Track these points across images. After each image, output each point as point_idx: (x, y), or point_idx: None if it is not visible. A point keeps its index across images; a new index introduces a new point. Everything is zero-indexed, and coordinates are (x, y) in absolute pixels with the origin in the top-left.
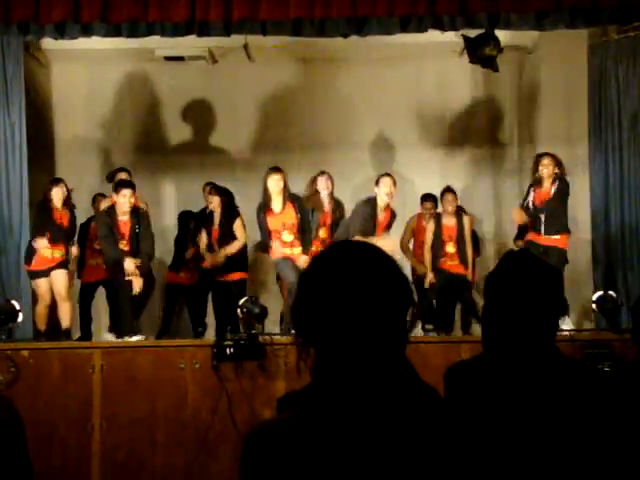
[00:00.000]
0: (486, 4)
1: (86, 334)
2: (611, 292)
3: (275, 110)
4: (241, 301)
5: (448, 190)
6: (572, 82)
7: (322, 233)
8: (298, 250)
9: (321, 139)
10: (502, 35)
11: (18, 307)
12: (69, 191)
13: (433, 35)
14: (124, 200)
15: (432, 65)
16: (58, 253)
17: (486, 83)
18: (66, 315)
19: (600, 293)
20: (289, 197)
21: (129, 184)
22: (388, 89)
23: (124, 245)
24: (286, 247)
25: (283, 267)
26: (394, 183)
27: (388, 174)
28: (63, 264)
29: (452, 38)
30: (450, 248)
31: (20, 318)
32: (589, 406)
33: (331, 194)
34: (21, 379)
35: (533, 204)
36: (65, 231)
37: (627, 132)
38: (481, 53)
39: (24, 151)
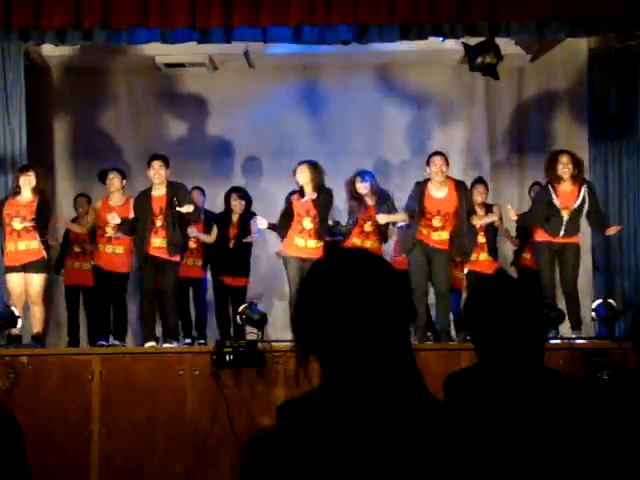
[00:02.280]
0: (487, 12)
1: (74, 339)
2: (610, 300)
3: (275, 117)
4: (240, 307)
5: (479, 181)
6: (572, 91)
7: (367, 227)
8: (312, 243)
9: (322, 146)
10: (502, 43)
11: (17, 313)
12: (39, 179)
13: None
14: (154, 172)
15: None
16: (23, 245)
17: (485, 91)
18: (37, 319)
19: (599, 301)
20: (319, 188)
21: (158, 156)
22: (388, 96)
23: (159, 220)
24: (303, 235)
25: (289, 272)
26: (445, 161)
27: (439, 152)
28: (40, 264)
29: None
30: (480, 238)
31: (19, 324)
32: (587, 414)
33: (372, 190)
34: (20, 385)
35: (559, 203)
36: (36, 221)
37: (626, 141)
38: (481, 61)
39: (24, 156)
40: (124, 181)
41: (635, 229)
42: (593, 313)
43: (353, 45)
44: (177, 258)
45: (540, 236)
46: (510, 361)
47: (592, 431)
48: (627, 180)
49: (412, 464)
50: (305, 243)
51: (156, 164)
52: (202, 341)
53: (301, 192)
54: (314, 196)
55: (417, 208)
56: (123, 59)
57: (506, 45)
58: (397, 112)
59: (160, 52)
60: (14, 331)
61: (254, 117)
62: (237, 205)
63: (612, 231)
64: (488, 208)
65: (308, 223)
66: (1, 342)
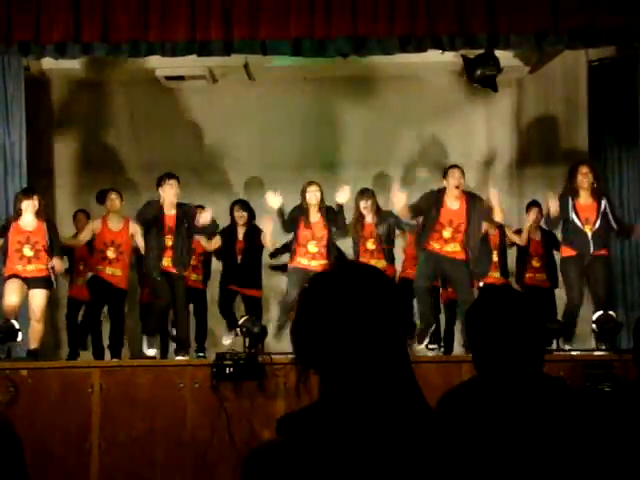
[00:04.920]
0: (485, 24)
1: (74, 352)
2: (611, 312)
3: (276, 129)
4: (241, 320)
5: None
6: (571, 102)
7: (370, 244)
8: (315, 263)
9: (322, 158)
10: (501, 55)
11: (17, 326)
12: (41, 203)
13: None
14: (173, 192)
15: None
16: (32, 267)
17: (485, 102)
18: (36, 335)
19: (600, 313)
20: (323, 210)
21: (175, 176)
22: (388, 109)
23: (169, 240)
24: (307, 257)
25: (289, 281)
26: (462, 174)
27: (456, 165)
28: (45, 281)
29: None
30: (494, 257)
31: (19, 337)
32: (587, 427)
33: (372, 208)
34: (20, 399)
35: (579, 220)
36: (43, 245)
37: (626, 152)
38: (480, 73)
39: (24, 170)
40: (122, 203)
41: (636, 241)
42: (594, 325)
43: (353, 58)
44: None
45: (567, 252)
46: (509, 373)
47: (592, 444)
48: (627, 191)
49: (411, 478)
50: (309, 263)
51: (174, 183)
52: (201, 354)
53: (303, 215)
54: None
55: (430, 215)
56: (123, 72)
57: (505, 57)
58: (396, 125)
59: (160, 65)
60: (32, 345)
61: (254, 129)
62: (240, 217)
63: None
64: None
65: (313, 247)
66: (1, 355)
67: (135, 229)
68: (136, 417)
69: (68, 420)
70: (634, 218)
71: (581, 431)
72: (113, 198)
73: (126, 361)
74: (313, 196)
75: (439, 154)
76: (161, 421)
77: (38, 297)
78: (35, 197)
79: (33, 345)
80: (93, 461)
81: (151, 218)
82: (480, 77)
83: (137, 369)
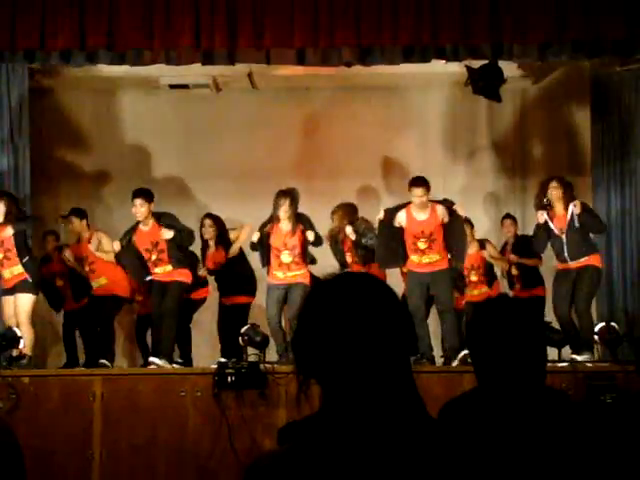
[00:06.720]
0: (489, 35)
1: (73, 360)
2: (613, 323)
3: (279, 138)
4: (243, 329)
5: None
6: (574, 113)
7: (348, 258)
8: (292, 274)
9: (325, 167)
10: (505, 65)
11: (19, 333)
12: (11, 204)
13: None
14: (135, 210)
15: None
16: (8, 273)
17: (488, 113)
18: (26, 341)
19: (602, 324)
20: (298, 219)
21: (140, 193)
22: (390, 118)
23: (155, 254)
24: (281, 269)
25: (268, 299)
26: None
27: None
28: (27, 284)
29: (456, 68)
30: (473, 276)
31: (21, 345)
32: (590, 438)
33: (348, 222)
34: (21, 406)
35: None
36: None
37: (628, 163)
38: (484, 84)
39: (27, 177)
40: (84, 221)
41: (638, 252)
42: (596, 336)
43: (356, 67)
44: (182, 278)
45: (558, 265)
46: (511, 384)
47: (595, 456)
48: (630, 203)
49: None
50: (285, 274)
51: (137, 201)
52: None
53: (274, 222)
54: (311, 237)
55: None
56: (127, 80)
57: (509, 67)
58: (398, 135)
59: (164, 73)
60: (25, 351)
61: (257, 138)
62: (206, 232)
63: None
64: (481, 242)
65: (287, 257)
66: (3, 363)
67: (99, 236)
68: (137, 425)
69: (69, 428)
70: (635, 229)
71: (583, 443)
72: (75, 221)
73: (127, 369)
74: (283, 211)
75: (441, 165)
76: (163, 429)
77: (21, 301)
78: (2, 200)
79: (25, 351)
80: (94, 469)
81: (127, 243)
82: (484, 88)
83: (139, 377)
